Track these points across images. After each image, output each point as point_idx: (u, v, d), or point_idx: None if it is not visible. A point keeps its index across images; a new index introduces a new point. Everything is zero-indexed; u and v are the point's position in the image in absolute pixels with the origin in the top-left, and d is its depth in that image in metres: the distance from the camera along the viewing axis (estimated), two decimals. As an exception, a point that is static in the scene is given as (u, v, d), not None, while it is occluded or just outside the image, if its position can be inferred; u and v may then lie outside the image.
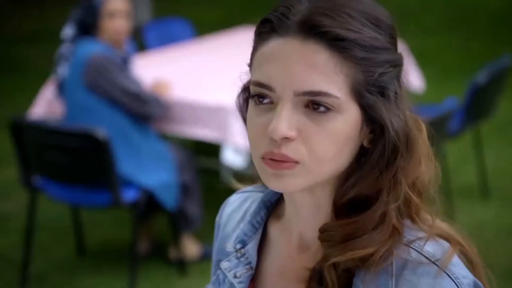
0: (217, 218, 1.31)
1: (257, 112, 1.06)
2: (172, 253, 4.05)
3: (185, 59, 4.90)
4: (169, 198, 3.74)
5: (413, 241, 1.07)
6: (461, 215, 4.36)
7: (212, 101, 3.95)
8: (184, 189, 3.88)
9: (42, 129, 3.54)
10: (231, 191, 1.34)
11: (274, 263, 1.19)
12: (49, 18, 9.03)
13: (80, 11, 3.73)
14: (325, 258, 1.07)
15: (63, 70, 3.74)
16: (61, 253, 4.20)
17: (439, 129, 3.80)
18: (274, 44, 1.03)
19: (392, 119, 1.04)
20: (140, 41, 5.79)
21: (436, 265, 1.06)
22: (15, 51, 8.19)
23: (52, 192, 3.70)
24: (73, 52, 3.70)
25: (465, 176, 5.02)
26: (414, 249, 1.07)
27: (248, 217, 1.22)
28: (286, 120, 1.01)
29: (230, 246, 1.22)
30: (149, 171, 3.72)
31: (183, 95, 4.03)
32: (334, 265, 1.07)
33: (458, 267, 1.07)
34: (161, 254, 4.14)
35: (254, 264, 1.19)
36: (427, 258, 1.06)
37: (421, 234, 1.09)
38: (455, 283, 1.05)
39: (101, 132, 3.41)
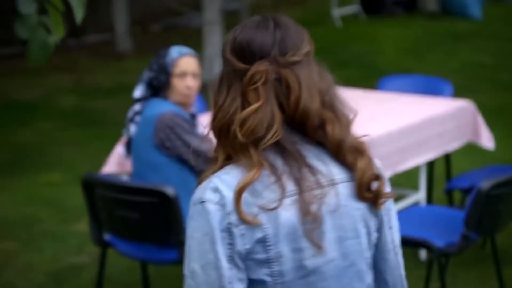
0: None
1: None
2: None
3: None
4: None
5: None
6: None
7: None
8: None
9: (112, 186, 3.64)
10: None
11: None
12: (128, 71, 9.25)
13: (151, 71, 3.79)
14: None
15: (133, 129, 3.83)
16: (130, 307, 4.26)
17: None
18: None
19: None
20: (209, 98, 5.86)
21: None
22: (94, 104, 8.39)
23: (121, 248, 3.80)
24: (142, 111, 3.80)
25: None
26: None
27: None
28: None
29: None
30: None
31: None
32: None
33: (212, 199, 1.66)
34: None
35: None
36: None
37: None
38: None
39: (170, 189, 3.49)
